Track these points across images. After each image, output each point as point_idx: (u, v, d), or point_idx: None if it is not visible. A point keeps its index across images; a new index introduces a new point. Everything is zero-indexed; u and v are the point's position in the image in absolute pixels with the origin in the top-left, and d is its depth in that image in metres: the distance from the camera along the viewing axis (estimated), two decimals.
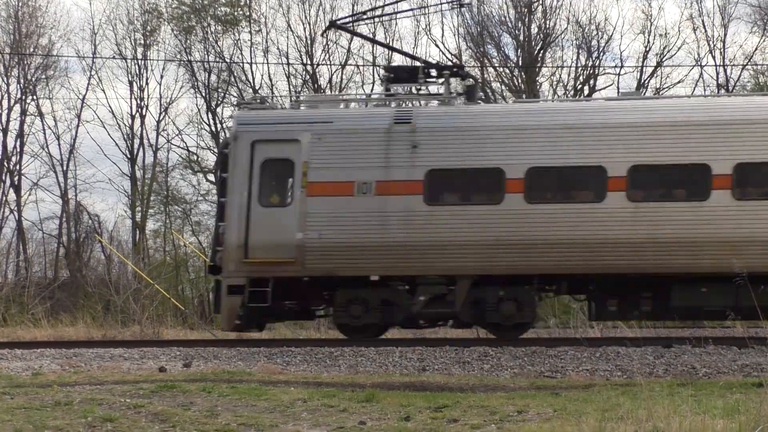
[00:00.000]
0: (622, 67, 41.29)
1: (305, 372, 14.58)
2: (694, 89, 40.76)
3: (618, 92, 38.74)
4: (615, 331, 19.97)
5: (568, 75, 41.45)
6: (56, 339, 19.99)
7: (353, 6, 39.29)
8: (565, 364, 14.76)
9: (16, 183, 40.95)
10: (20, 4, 42.07)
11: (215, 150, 42.21)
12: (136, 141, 41.61)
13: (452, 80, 20.24)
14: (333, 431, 10.04)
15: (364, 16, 24.89)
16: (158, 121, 41.56)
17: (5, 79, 41.00)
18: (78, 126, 41.29)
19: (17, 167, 41.11)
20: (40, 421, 10.41)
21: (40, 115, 41.03)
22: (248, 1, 42.40)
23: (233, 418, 10.69)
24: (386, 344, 17.27)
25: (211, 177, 42.40)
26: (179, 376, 13.89)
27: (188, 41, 42.38)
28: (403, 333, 21.62)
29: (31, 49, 41.66)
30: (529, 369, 14.56)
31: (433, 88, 20.20)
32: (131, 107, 41.42)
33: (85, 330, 22.82)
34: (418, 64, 21.09)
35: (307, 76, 42.08)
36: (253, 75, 42.30)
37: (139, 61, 42.10)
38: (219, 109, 42.39)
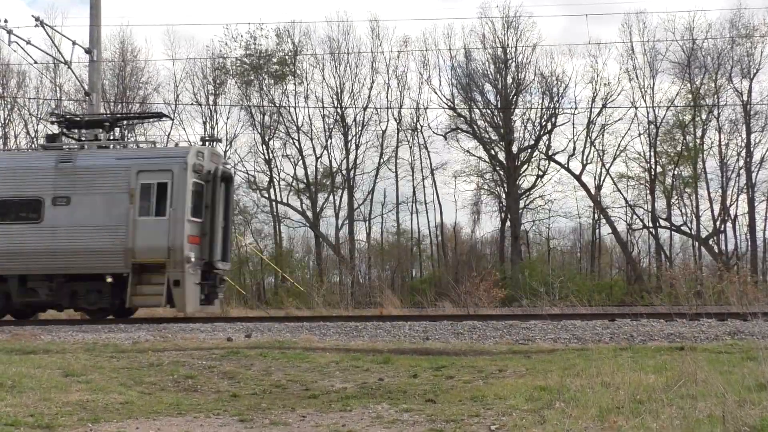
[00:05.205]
0: (576, 108, 41.20)
1: (337, 341, 14.50)
2: (630, 125, 40.77)
3: None
4: (572, 309, 19.86)
5: (536, 114, 41.42)
6: (150, 317, 19.95)
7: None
8: (534, 334, 14.66)
9: None
10: (124, 65, 42.39)
11: (268, 173, 42.31)
12: None
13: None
14: (358, 386, 10.03)
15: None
16: (225, 152, 41.60)
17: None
18: None
19: None
20: (139, 378, 10.46)
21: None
22: (293, 61, 42.46)
23: (283, 376, 10.71)
24: (398, 320, 17.22)
25: (265, 194, 42.40)
26: (242, 344, 13.87)
27: (248, 91, 42.48)
28: (410, 311, 21.52)
29: (132, 98, 41.92)
30: (507, 338, 14.46)
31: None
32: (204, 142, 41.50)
33: (172, 310, 22.76)
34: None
35: (338, 116, 42.12)
36: (296, 116, 42.39)
37: (211, 106, 42.30)
38: (270, 142, 42.43)
